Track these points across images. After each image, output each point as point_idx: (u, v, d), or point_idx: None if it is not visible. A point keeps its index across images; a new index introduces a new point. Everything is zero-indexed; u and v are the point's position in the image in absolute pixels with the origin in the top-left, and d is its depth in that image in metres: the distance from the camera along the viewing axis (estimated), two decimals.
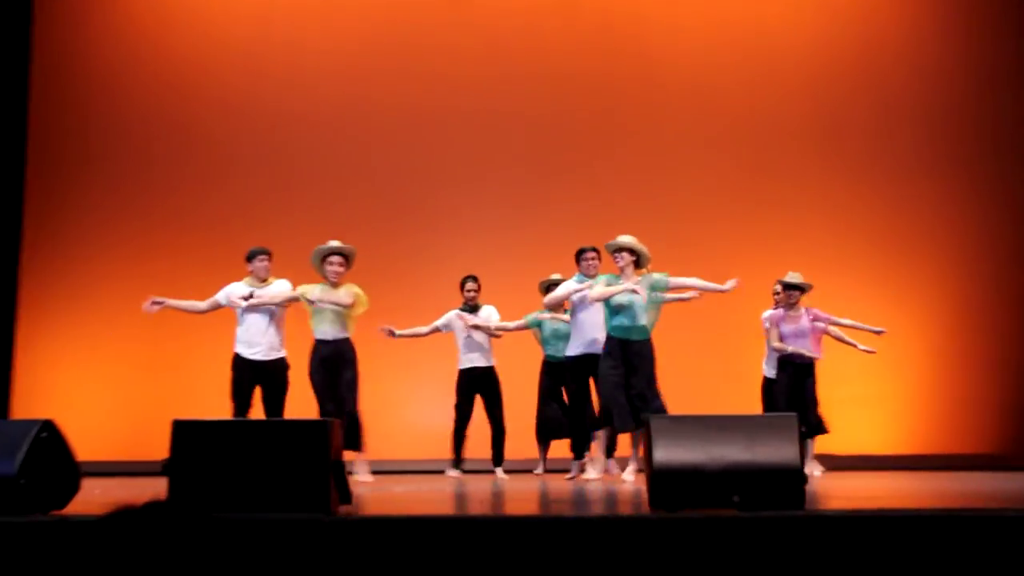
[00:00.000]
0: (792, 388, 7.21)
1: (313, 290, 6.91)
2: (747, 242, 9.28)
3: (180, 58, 9.73)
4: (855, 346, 7.75)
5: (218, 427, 3.84)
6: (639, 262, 6.76)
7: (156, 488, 3.58)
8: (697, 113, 9.62)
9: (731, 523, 3.31)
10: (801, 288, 7.25)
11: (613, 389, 6.53)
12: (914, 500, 4.85)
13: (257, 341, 6.89)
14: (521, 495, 5.50)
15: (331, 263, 6.91)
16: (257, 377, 6.89)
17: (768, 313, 7.63)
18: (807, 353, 7.21)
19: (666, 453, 3.77)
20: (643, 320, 6.66)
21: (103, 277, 9.38)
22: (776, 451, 3.76)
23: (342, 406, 6.72)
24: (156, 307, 7.05)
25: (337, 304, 6.81)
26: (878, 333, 7.51)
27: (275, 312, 6.96)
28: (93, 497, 4.34)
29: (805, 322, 7.25)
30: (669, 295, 6.86)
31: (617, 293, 6.60)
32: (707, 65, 9.66)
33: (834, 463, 8.26)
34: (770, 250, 9.27)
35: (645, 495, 3.90)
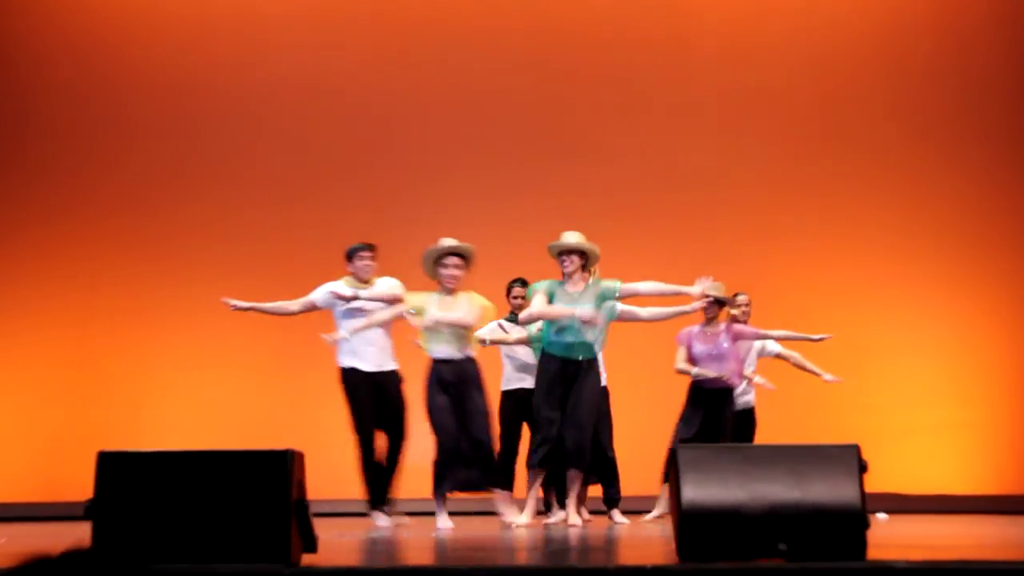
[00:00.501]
0: (706, 422, 7.10)
1: (426, 304, 6.79)
2: (788, 233, 9.29)
3: (91, 14, 9.69)
4: (820, 375, 7.67)
5: (153, 460, 3.84)
6: (587, 263, 6.75)
7: (77, 534, 3.59)
8: (736, 84, 9.61)
9: None
10: (720, 302, 7.18)
11: (546, 424, 6.55)
12: (1001, 550, 4.85)
13: (365, 349, 6.90)
14: (523, 543, 5.51)
15: (446, 266, 6.80)
16: (372, 393, 6.93)
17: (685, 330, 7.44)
18: (712, 375, 7.09)
19: (697, 491, 3.77)
20: (589, 336, 6.65)
21: (1, 275, 9.37)
22: (831, 489, 3.76)
23: (471, 438, 6.62)
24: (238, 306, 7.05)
25: (458, 325, 6.74)
26: (819, 340, 7.37)
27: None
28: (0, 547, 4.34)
29: (724, 341, 7.15)
30: (649, 312, 6.91)
31: (563, 316, 6.57)
32: (750, 27, 9.67)
33: (902, 504, 8.25)
34: (817, 242, 9.27)
35: (672, 543, 3.90)
